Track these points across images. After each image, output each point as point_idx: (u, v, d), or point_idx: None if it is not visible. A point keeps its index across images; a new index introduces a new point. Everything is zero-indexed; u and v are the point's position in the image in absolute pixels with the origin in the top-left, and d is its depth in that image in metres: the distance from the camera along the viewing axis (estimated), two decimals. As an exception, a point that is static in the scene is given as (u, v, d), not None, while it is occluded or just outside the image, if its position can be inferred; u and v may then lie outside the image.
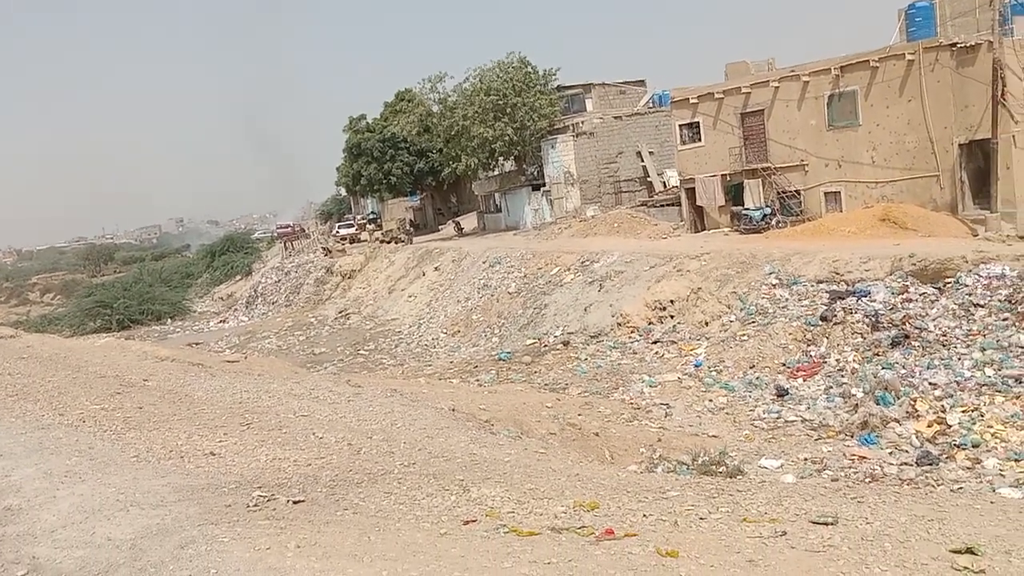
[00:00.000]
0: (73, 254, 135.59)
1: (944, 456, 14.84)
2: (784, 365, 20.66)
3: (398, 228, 56.09)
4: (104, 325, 53.38)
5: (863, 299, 21.63)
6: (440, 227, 62.40)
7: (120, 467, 8.13)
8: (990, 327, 18.84)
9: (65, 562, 5.79)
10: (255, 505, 6.97)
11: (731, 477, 11.87)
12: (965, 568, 5.58)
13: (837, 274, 23.50)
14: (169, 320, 57.16)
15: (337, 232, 64.64)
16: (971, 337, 18.79)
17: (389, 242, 52.82)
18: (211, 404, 11.59)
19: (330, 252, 55.02)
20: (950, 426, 15.86)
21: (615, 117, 46.27)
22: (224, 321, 53.49)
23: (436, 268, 42.16)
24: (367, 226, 63.37)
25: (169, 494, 7.20)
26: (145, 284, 68.39)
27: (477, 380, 23.81)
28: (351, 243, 58.58)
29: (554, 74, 49.66)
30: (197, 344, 38.55)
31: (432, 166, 59.34)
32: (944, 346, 18.79)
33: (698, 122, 34.49)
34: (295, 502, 7.16)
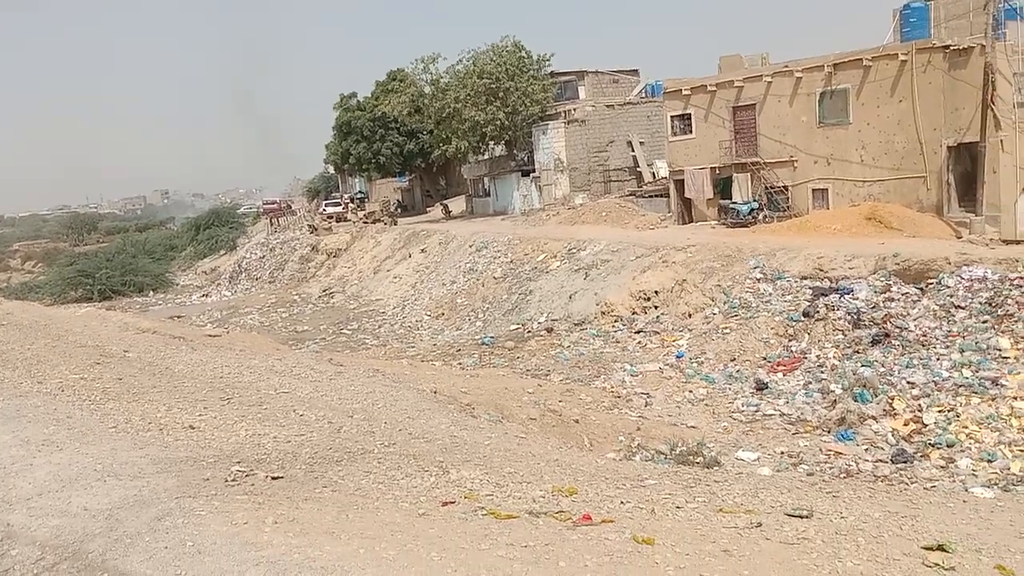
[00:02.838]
0: (56, 222, 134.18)
1: (919, 454, 15.01)
2: (765, 359, 20.79)
3: (381, 210, 55.81)
4: (85, 295, 52.99)
5: (846, 297, 21.78)
6: (428, 209, 62.26)
7: (98, 437, 8.09)
8: (970, 329, 19.03)
9: (40, 530, 5.77)
10: (233, 480, 6.95)
11: (708, 468, 11.96)
12: (936, 565, 5.65)
13: (821, 271, 23.65)
14: (151, 292, 56.81)
15: (323, 210, 64.33)
16: (951, 338, 18.97)
17: (372, 223, 52.58)
18: (191, 378, 11.53)
19: (316, 230, 54.77)
20: (926, 425, 16.04)
21: (607, 106, 46.22)
22: (207, 295, 53.22)
23: (422, 250, 42.08)
24: (350, 205, 63.08)
25: (147, 466, 7.17)
26: (128, 255, 67.78)
27: (460, 363, 23.81)
28: (337, 222, 58.33)
29: (548, 60, 49.57)
30: (179, 317, 38.35)
31: (422, 147, 59.11)
32: (924, 346, 18.97)
33: (690, 114, 34.49)
34: (274, 478, 7.15)
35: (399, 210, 61.93)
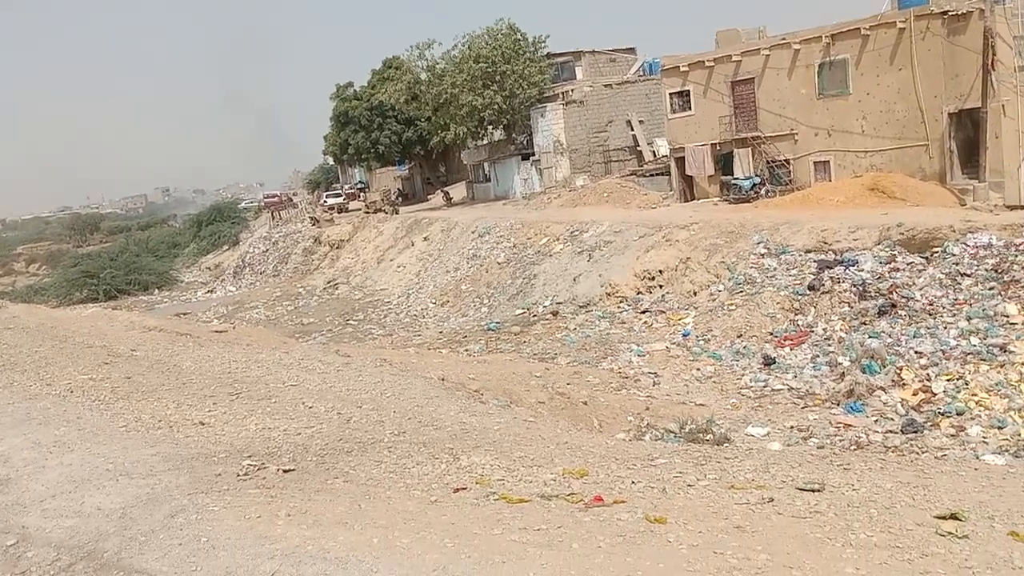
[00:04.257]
0: (58, 224, 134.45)
1: (929, 424, 15.01)
2: (771, 334, 20.76)
3: (382, 199, 55.67)
4: (91, 295, 53.10)
5: (851, 268, 21.71)
6: (429, 197, 62.12)
7: (109, 437, 8.12)
8: (976, 296, 18.97)
9: (55, 531, 5.80)
10: (245, 474, 6.97)
11: (718, 445, 11.98)
12: (949, 533, 5.65)
13: (825, 243, 23.56)
14: (156, 290, 56.91)
15: (325, 202, 64.26)
16: (957, 306, 18.91)
17: (373, 213, 52.48)
18: (200, 374, 11.56)
19: (318, 222, 54.73)
20: (935, 394, 16.02)
21: (605, 85, 45.96)
22: (212, 291, 53.30)
23: (425, 238, 42.03)
24: (360, 195, 63.07)
25: (158, 463, 7.20)
26: (131, 254, 67.92)
27: (466, 350, 23.85)
28: (339, 212, 58.26)
29: (543, 41, 49.24)
30: (185, 314, 38.41)
31: (420, 135, 58.90)
32: (930, 315, 18.91)
33: (688, 90, 34.30)
34: (285, 471, 7.17)
35: (400, 199, 61.82)
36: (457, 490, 6.84)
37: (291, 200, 78.85)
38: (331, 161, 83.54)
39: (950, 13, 26.04)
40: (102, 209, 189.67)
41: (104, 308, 29.09)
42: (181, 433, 8.48)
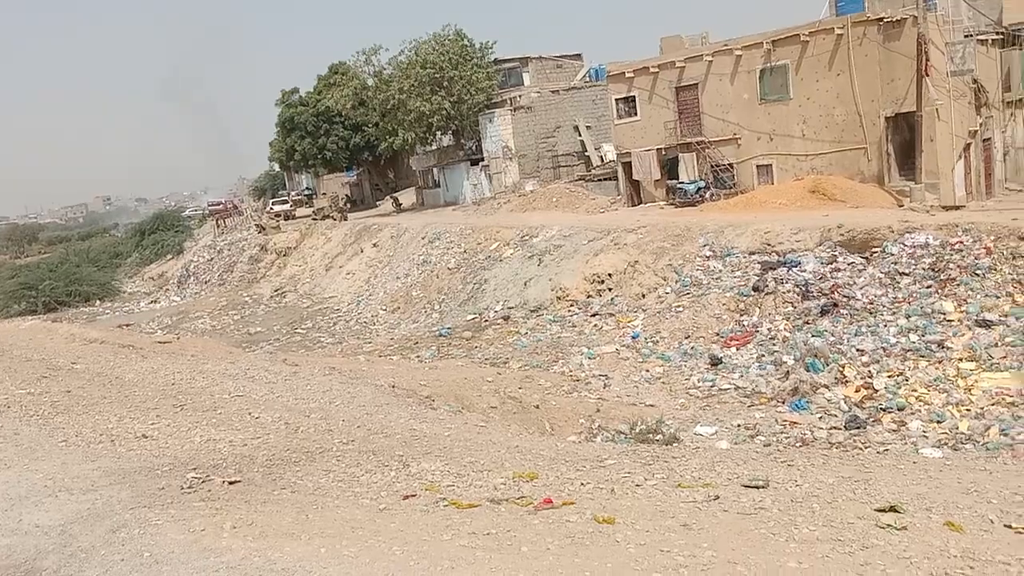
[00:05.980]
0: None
1: (871, 419, 15.39)
2: (718, 335, 21.09)
3: (330, 205, 55.11)
4: (29, 308, 51.57)
5: (793, 269, 22.17)
6: (378, 203, 61.71)
7: (48, 452, 7.90)
8: (914, 295, 19.52)
9: (-10, 551, 5.62)
10: (189, 487, 6.85)
11: (667, 444, 12.12)
12: (889, 526, 5.78)
13: (768, 245, 24.02)
14: (98, 301, 55.48)
15: (271, 209, 63.42)
16: (896, 304, 19.44)
17: (321, 219, 51.95)
18: (143, 386, 11.31)
19: (264, 229, 53.90)
20: (877, 391, 16.44)
21: (552, 91, 46.24)
22: (155, 301, 52.19)
23: (374, 244, 41.76)
24: (305, 202, 62.37)
25: (100, 478, 7.03)
26: (72, 265, 66.11)
27: (418, 356, 23.75)
28: (286, 220, 57.56)
29: (491, 47, 49.39)
30: (127, 325, 37.53)
31: (368, 141, 58.47)
32: (871, 314, 19.41)
33: (634, 96, 34.70)
34: (231, 483, 7.06)
35: (348, 205, 61.24)
36: (406, 497, 6.80)
37: (236, 207, 77.62)
38: (277, 167, 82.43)
39: (885, 20, 26.82)
40: (41, 219, 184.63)
41: (43, 320, 28.27)
42: (123, 447, 8.29)
